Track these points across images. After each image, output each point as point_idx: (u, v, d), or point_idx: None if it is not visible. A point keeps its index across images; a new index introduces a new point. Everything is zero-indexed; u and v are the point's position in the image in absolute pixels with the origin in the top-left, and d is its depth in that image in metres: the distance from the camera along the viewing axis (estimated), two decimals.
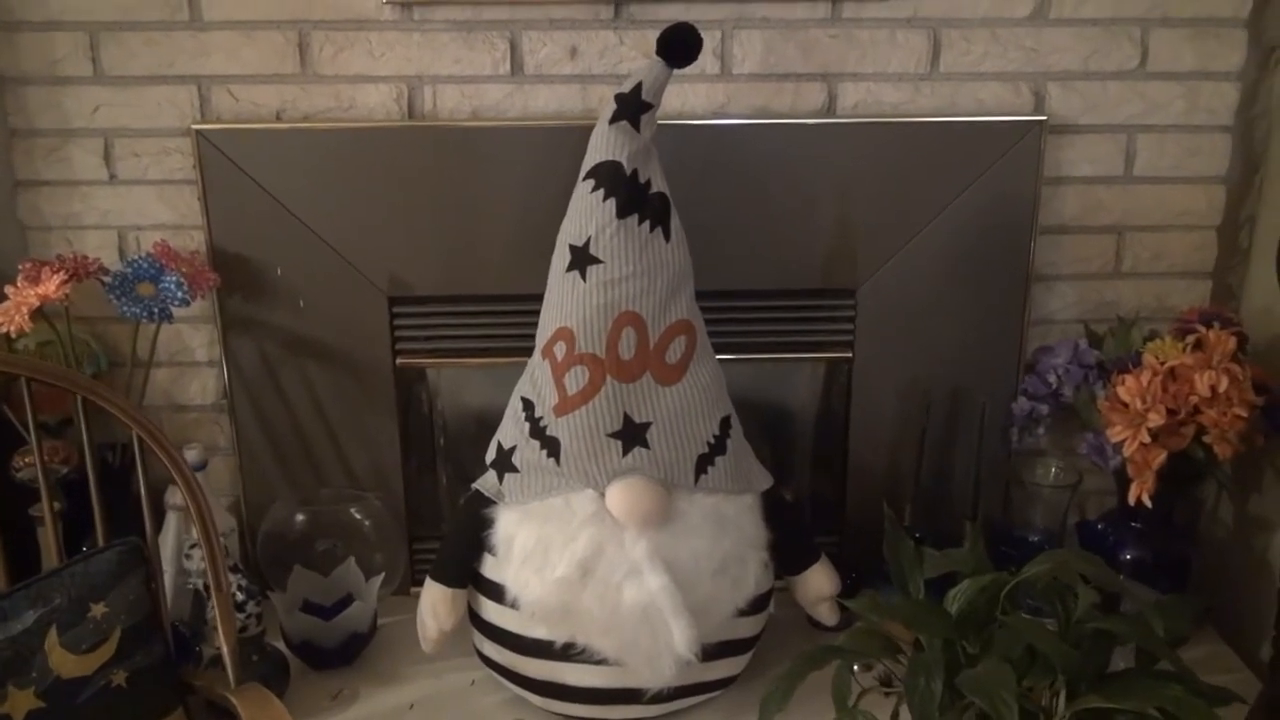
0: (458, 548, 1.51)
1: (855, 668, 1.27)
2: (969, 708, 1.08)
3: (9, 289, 1.43)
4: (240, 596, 1.63)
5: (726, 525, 1.46)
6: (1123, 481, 1.56)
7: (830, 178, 1.63)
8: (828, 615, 1.61)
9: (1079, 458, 1.68)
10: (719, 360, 1.51)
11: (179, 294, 1.50)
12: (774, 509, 1.52)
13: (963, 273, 1.68)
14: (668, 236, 1.42)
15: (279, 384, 1.70)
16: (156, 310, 1.49)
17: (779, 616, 1.60)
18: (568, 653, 1.42)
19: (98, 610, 1.26)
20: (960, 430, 1.73)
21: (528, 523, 1.44)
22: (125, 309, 1.48)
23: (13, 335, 1.41)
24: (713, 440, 1.46)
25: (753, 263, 1.67)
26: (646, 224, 1.40)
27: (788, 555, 1.56)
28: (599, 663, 1.42)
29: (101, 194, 1.66)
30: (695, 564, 1.42)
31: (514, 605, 1.43)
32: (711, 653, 1.44)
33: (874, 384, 1.73)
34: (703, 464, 1.45)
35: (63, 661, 1.23)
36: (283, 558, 1.71)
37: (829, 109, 1.64)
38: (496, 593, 1.45)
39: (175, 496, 1.67)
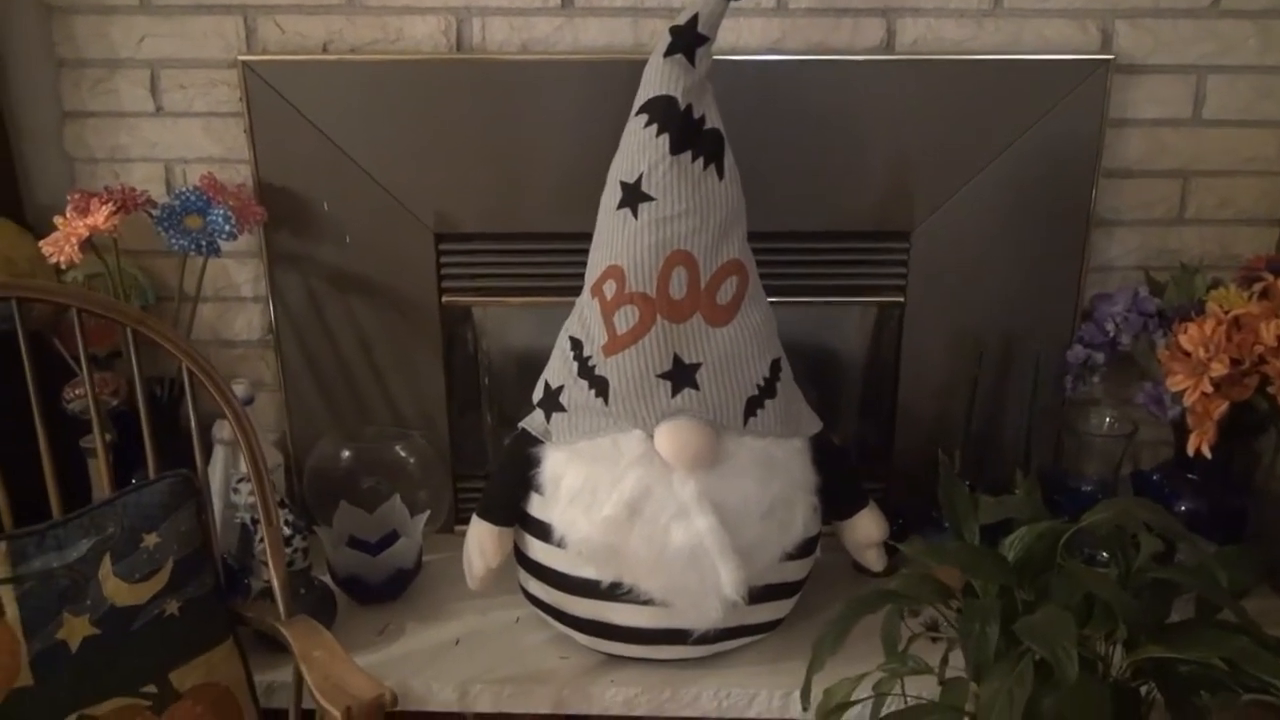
0: (504, 486, 1.51)
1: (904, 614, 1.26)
2: (1025, 655, 1.06)
3: (58, 220, 1.43)
4: (287, 531, 1.64)
5: (775, 468, 1.44)
6: (1181, 432, 1.53)
7: (887, 117, 1.59)
8: (875, 561, 1.60)
9: (1134, 407, 1.65)
10: (769, 303, 1.48)
11: (226, 227, 1.49)
12: (823, 453, 1.50)
13: (1021, 217, 1.63)
14: (721, 174, 1.39)
15: (325, 320, 1.69)
16: (204, 243, 1.48)
17: (824, 561, 1.59)
18: (614, 592, 1.42)
19: (150, 540, 1.27)
20: (1013, 378, 1.70)
21: (575, 462, 1.43)
22: (173, 241, 1.48)
23: (62, 266, 1.40)
24: (762, 383, 1.44)
25: (805, 204, 1.63)
26: (700, 161, 1.37)
27: (836, 500, 1.55)
28: (645, 603, 1.42)
29: (148, 126, 1.64)
30: (743, 506, 1.41)
31: (560, 544, 1.43)
32: (758, 595, 1.43)
33: (926, 329, 1.70)
34: (752, 406, 1.43)
35: (117, 589, 1.24)
36: (329, 494, 1.72)
37: (887, 45, 1.59)
38: (543, 531, 1.45)
39: (223, 431, 1.68)
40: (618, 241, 1.40)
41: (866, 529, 1.57)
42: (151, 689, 1.24)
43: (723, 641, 1.48)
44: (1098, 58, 1.57)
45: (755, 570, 1.41)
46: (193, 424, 1.35)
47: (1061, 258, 1.66)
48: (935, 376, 1.72)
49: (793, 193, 1.62)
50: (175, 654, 1.26)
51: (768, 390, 1.44)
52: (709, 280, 1.39)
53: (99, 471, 1.38)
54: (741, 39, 1.59)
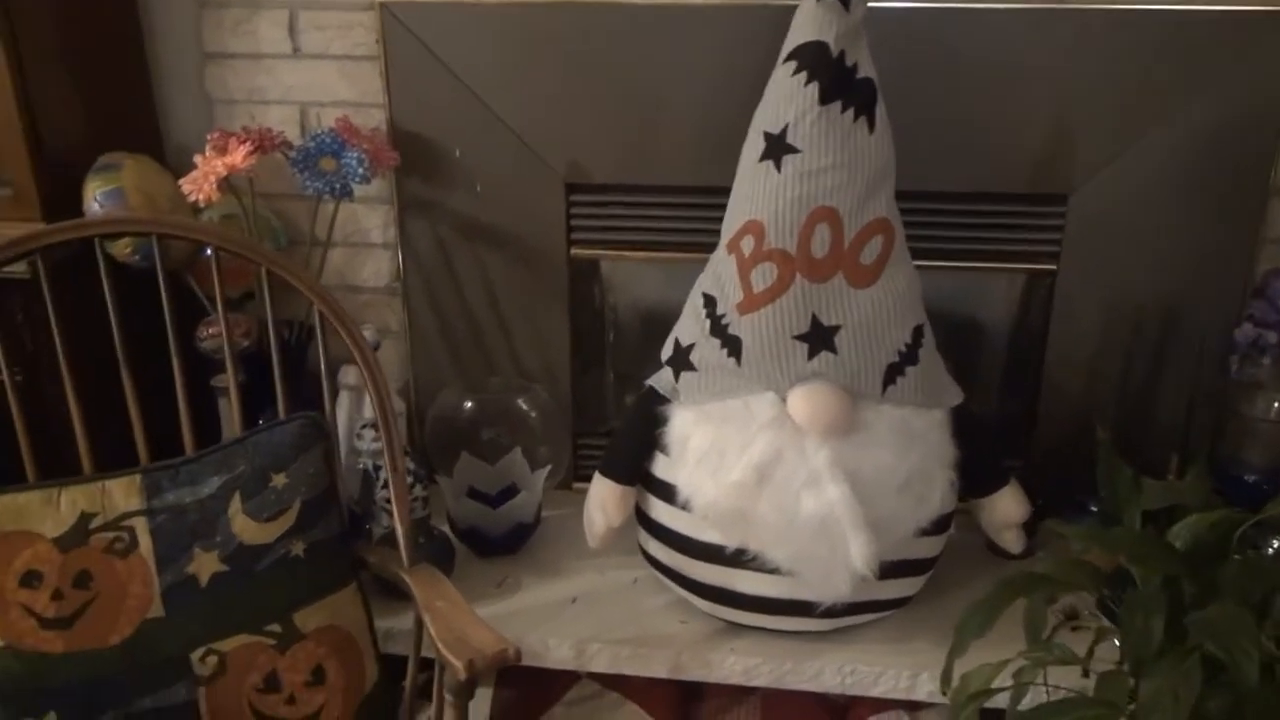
0: (629, 445, 1.47)
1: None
2: (1193, 652, 0.98)
3: (198, 158, 1.43)
4: (409, 479, 1.64)
5: (914, 439, 1.37)
6: None
7: (1050, 71, 1.48)
8: (1013, 542, 1.52)
9: None
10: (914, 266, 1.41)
11: (360, 170, 1.48)
12: (964, 426, 1.43)
13: (1190, 181, 1.51)
14: (872, 127, 1.31)
15: (452, 269, 1.67)
16: (338, 186, 1.47)
17: (956, 539, 1.51)
18: (739, 559, 1.37)
19: (279, 480, 1.26)
20: (1171, 356, 1.59)
21: (704, 423, 1.39)
22: (308, 183, 1.47)
23: (200, 204, 1.41)
24: (904, 349, 1.36)
25: (954, 162, 1.54)
26: (850, 112, 1.30)
27: (976, 476, 1.47)
28: (771, 571, 1.37)
29: (285, 68, 1.64)
30: (878, 477, 1.34)
31: (685, 507, 1.39)
32: (889, 570, 1.37)
33: (1079, 300, 1.59)
34: (892, 374, 1.36)
35: (245, 528, 1.24)
36: (450, 444, 1.71)
37: None
38: (668, 493, 1.41)
39: (349, 376, 1.68)
40: (759, 195, 1.33)
41: (1006, 509, 1.49)
42: (276, 628, 1.25)
43: (850, 616, 1.43)
44: None
45: (888, 544, 1.35)
46: (322, 367, 1.34)
47: (1235, 228, 1.53)
48: (1086, 351, 1.61)
49: (941, 150, 1.53)
50: (300, 595, 1.26)
51: (909, 357, 1.37)
52: (853, 239, 1.32)
53: (230, 411, 1.39)
54: None
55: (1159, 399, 1.61)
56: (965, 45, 1.48)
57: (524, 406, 1.72)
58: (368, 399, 1.70)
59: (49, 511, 1.20)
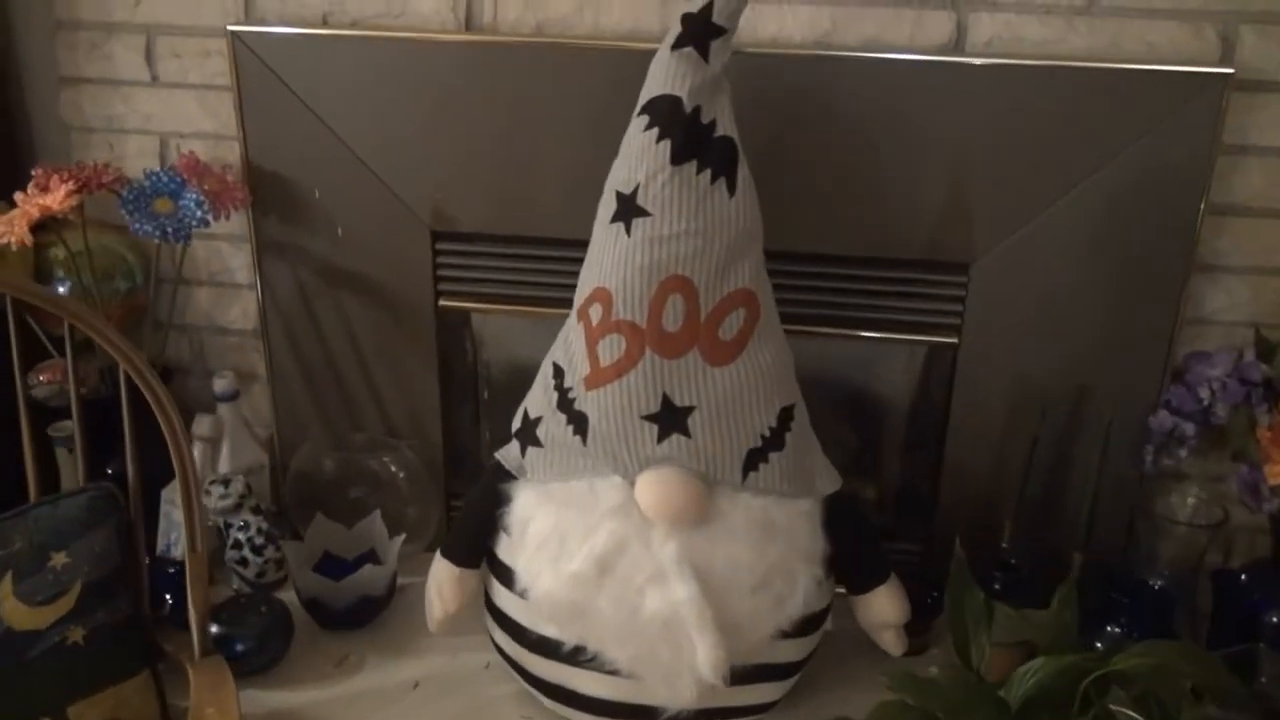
0: (471, 524, 1.36)
1: None
2: None
3: (17, 196, 1.33)
4: (259, 540, 1.54)
5: (775, 533, 1.24)
6: (1279, 529, 1.27)
7: (952, 128, 1.35)
8: (893, 644, 1.39)
9: (1227, 489, 1.39)
10: (795, 335, 1.29)
11: (198, 213, 1.37)
12: (838, 517, 1.30)
13: (1105, 254, 1.38)
14: (732, 190, 1.19)
15: (315, 315, 1.56)
16: (171, 230, 1.36)
17: (844, 629, 1.38)
18: (577, 657, 1.25)
19: (58, 560, 1.15)
20: (1081, 441, 1.46)
21: (547, 505, 1.27)
22: (138, 226, 1.36)
23: (13, 248, 1.30)
24: (768, 433, 1.24)
25: (849, 224, 1.42)
26: (707, 173, 1.18)
27: (851, 571, 1.35)
28: (611, 673, 1.24)
29: (143, 96, 1.53)
30: (732, 575, 1.22)
31: (523, 595, 1.27)
32: (744, 676, 1.24)
33: (982, 376, 1.46)
34: (753, 460, 1.23)
35: (14, 612, 1.13)
36: (312, 501, 1.60)
37: (956, 45, 1.36)
38: (507, 577, 1.29)
39: (202, 426, 1.57)
40: (607, 260, 1.22)
41: (883, 609, 1.35)
42: None
43: None
44: (1214, 70, 1.30)
45: (742, 648, 1.22)
46: (126, 428, 1.23)
47: (1152, 304, 1.40)
48: (990, 431, 1.48)
49: (835, 211, 1.41)
50: (77, 686, 1.15)
51: (774, 442, 1.25)
52: (710, 312, 1.20)
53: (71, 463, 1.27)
54: (785, 29, 1.38)
55: (1066, 488, 1.48)
56: (854, 98, 1.36)
57: (391, 466, 1.60)
58: (224, 449, 1.59)
59: None
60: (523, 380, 1.47)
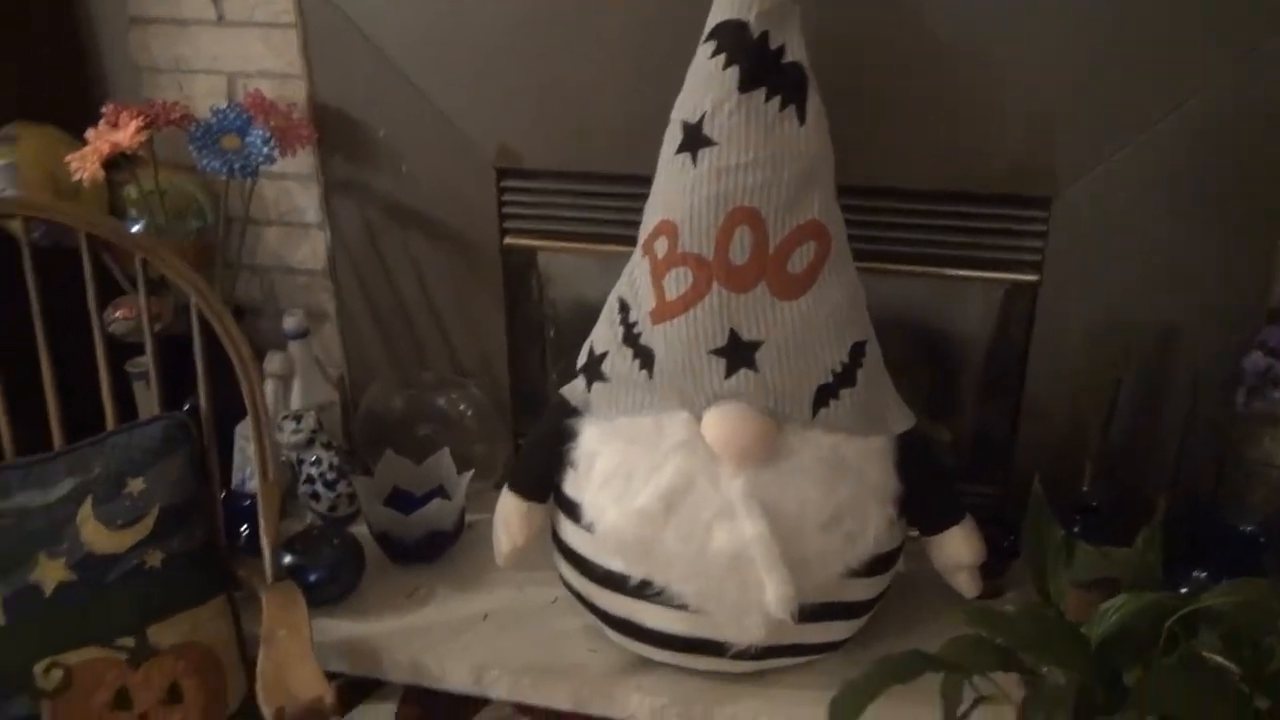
0: (537, 458, 1.35)
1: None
2: None
3: (89, 134, 1.34)
4: (331, 476, 1.55)
5: (846, 471, 1.22)
6: None
7: (1035, 53, 1.29)
8: (966, 585, 1.36)
9: None
10: (868, 273, 1.26)
11: (264, 150, 1.37)
12: (911, 456, 1.27)
13: (1197, 186, 1.31)
14: (802, 118, 1.16)
15: (382, 254, 1.56)
16: (238, 166, 1.37)
17: (916, 572, 1.36)
18: (644, 591, 1.25)
19: (135, 486, 1.18)
20: (1167, 382, 1.40)
21: (612, 441, 1.26)
22: (206, 162, 1.37)
23: (85, 184, 1.32)
24: (839, 369, 1.21)
25: (924, 156, 1.37)
26: (776, 100, 1.14)
27: (924, 512, 1.32)
28: (678, 607, 1.24)
29: (209, 36, 1.54)
30: (801, 512, 1.20)
31: (590, 529, 1.27)
32: (813, 614, 1.23)
33: (1064, 315, 1.41)
34: (823, 396, 1.21)
35: (96, 535, 1.16)
36: (381, 438, 1.61)
37: None
38: (574, 512, 1.29)
39: (273, 363, 1.59)
40: (673, 192, 1.19)
41: (957, 550, 1.32)
42: (128, 642, 1.16)
43: (769, 659, 1.29)
44: None
45: (810, 586, 1.21)
46: (198, 359, 1.25)
47: (1246, 240, 1.33)
48: (1071, 371, 1.43)
49: (909, 141, 1.36)
50: (155, 608, 1.17)
51: (845, 378, 1.22)
52: (779, 244, 1.17)
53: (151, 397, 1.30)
54: None
55: (1151, 430, 1.42)
56: (932, 20, 1.30)
57: (459, 404, 1.61)
58: (296, 386, 1.61)
59: None
60: (589, 318, 1.46)
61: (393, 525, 1.48)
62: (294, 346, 1.59)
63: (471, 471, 1.52)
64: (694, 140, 1.16)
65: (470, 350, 1.61)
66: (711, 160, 1.15)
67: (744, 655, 1.26)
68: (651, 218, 1.23)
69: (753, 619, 1.22)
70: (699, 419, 1.21)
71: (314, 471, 1.55)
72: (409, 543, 1.49)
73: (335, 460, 1.56)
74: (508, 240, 1.52)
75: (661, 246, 1.20)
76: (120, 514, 1.17)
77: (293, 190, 1.60)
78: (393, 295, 1.59)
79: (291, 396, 1.60)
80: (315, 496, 1.55)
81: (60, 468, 1.17)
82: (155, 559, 1.17)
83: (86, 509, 1.16)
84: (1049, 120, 1.32)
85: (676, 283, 1.19)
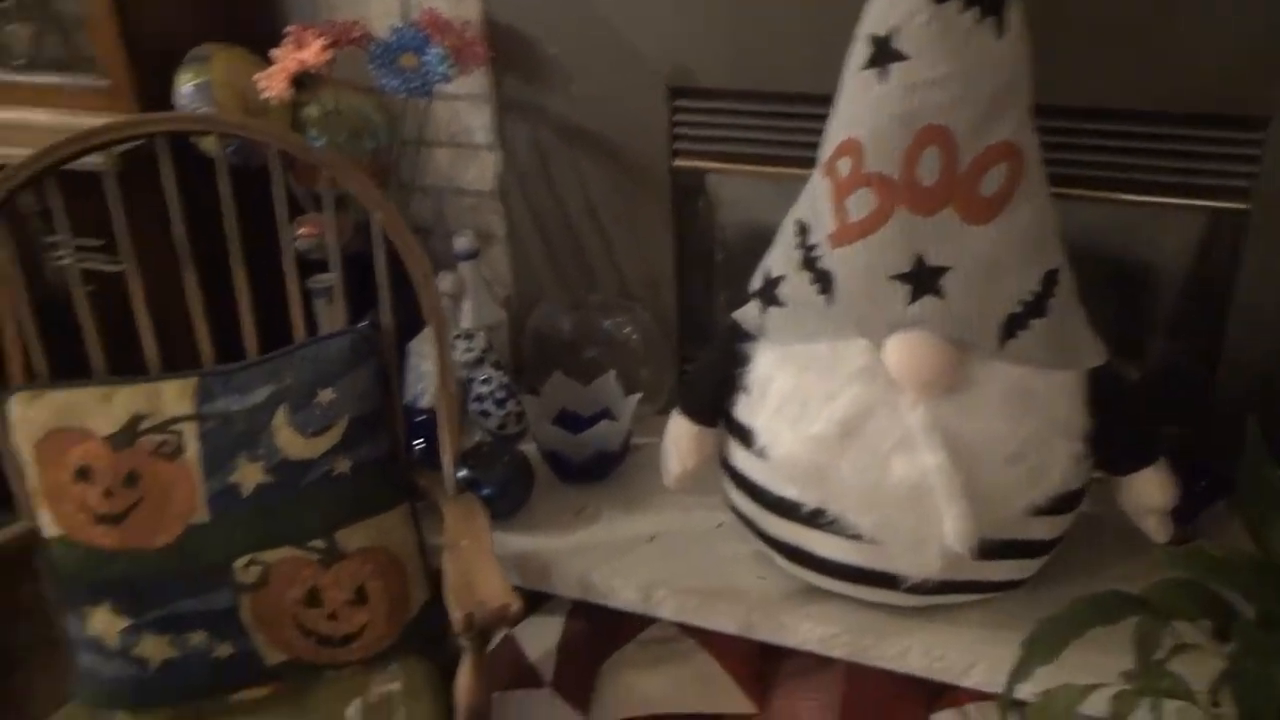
0: (709, 382, 1.34)
1: None
2: None
3: (275, 53, 1.38)
4: (500, 394, 1.58)
5: (1033, 404, 1.17)
6: None
7: None
8: (1156, 529, 1.29)
9: None
10: (1062, 198, 1.19)
11: (442, 69, 1.38)
12: (1103, 392, 1.21)
13: None
14: (1001, 30, 1.09)
15: (551, 175, 1.56)
16: (417, 84, 1.38)
17: (1100, 515, 1.31)
18: (817, 520, 1.23)
19: (325, 396, 1.22)
20: None
21: (787, 366, 1.24)
22: (384, 81, 1.39)
23: (272, 102, 1.35)
24: (1030, 298, 1.16)
25: (1125, 72, 1.28)
26: (974, 11, 1.08)
27: (1113, 451, 1.25)
28: (852, 537, 1.22)
29: None
30: (984, 445, 1.16)
31: (762, 455, 1.26)
32: (992, 550, 1.20)
33: (1275, 247, 1.31)
34: (1012, 325, 1.16)
35: (290, 441, 1.21)
36: (548, 359, 1.63)
37: None
38: (746, 437, 1.28)
39: (444, 283, 1.62)
40: (859, 109, 1.15)
41: (1148, 492, 1.26)
42: (319, 544, 1.22)
43: (943, 595, 1.26)
44: None
45: (991, 521, 1.18)
46: (380, 277, 1.28)
47: None
48: None
49: (1111, 57, 1.27)
50: (343, 513, 1.23)
51: (1036, 308, 1.16)
52: (970, 165, 1.12)
53: (336, 312, 1.34)
54: None
55: None
56: None
57: (625, 327, 1.61)
58: (466, 306, 1.64)
59: (103, 409, 1.21)
60: (759, 242, 1.44)
61: (561, 444, 1.50)
62: (464, 267, 1.61)
63: (639, 395, 1.53)
64: (883, 54, 1.11)
65: (637, 273, 1.60)
66: (901, 76, 1.10)
67: (918, 589, 1.24)
68: (834, 137, 1.19)
69: (929, 552, 1.19)
70: (878, 346, 1.18)
71: (484, 390, 1.58)
72: (577, 462, 1.51)
73: (504, 379, 1.58)
74: (678, 161, 1.50)
75: (844, 167, 1.16)
76: (312, 422, 1.21)
77: (463, 111, 1.61)
78: (561, 217, 1.59)
79: (461, 316, 1.63)
80: (485, 414, 1.58)
81: (258, 376, 1.23)
82: (344, 466, 1.22)
83: (281, 416, 1.21)
84: (1267, 32, 1.21)
85: (859, 204, 1.15)
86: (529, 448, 1.55)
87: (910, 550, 1.21)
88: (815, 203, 1.21)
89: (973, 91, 1.09)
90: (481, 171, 1.64)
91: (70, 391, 1.21)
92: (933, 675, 1.27)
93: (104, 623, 1.21)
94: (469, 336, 1.57)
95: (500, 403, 1.58)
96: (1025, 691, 0.96)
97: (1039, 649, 0.88)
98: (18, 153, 1.44)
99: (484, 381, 1.57)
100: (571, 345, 1.63)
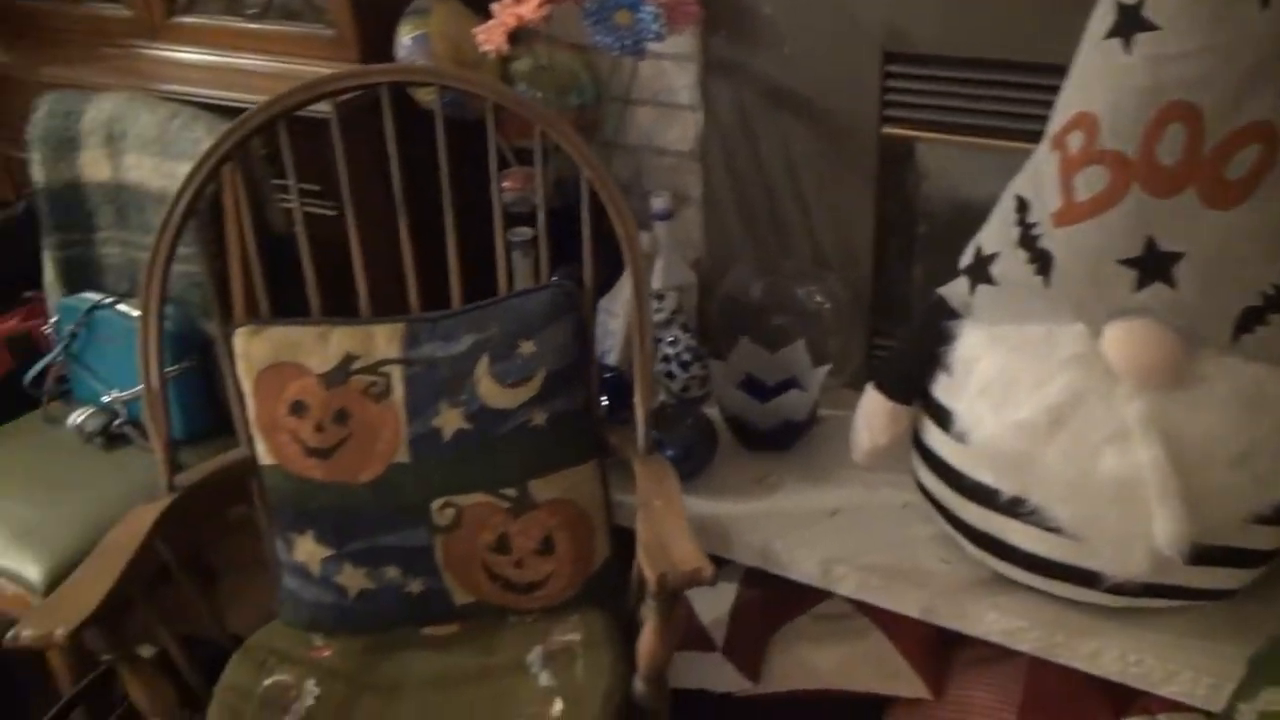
0: (909, 358, 1.31)
1: None
2: None
3: (494, 7, 1.40)
4: (686, 357, 1.58)
5: (1266, 406, 1.10)
6: None
7: None
8: None
9: None
10: None
11: (654, 27, 1.37)
12: None
13: None
14: (1266, 0, 1.00)
15: (753, 138, 1.54)
16: (630, 41, 1.38)
17: None
18: (1015, 508, 1.19)
19: (526, 348, 1.24)
20: None
21: (996, 347, 1.19)
22: (599, 37, 1.39)
23: (491, 55, 1.38)
24: (1272, 291, 1.08)
25: None
26: None
27: None
28: (1052, 530, 1.17)
29: None
30: (1207, 445, 1.10)
31: (961, 439, 1.22)
32: (1205, 556, 1.13)
33: None
34: (1248, 320, 1.08)
35: (490, 390, 1.24)
36: (736, 324, 1.62)
37: None
38: (944, 418, 1.24)
39: (644, 242, 1.62)
40: (1098, 80, 1.08)
41: None
42: (511, 492, 1.25)
43: (1145, 598, 1.20)
44: None
45: (1207, 526, 1.11)
46: (585, 235, 1.29)
47: None
48: None
49: None
50: (536, 464, 1.25)
51: (1277, 302, 1.08)
52: (1217, 146, 1.04)
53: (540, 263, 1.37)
54: None
55: None
56: None
57: (817, 296, 1.58)
58: (658, 266, 1.64)
59: (319, 348, 1.26)
60: (966, 217, 1.39)
61: (747, 411, 1.49)
62: (659, 227, 1.61)
63: (829, 366, 1.50)
64: (1130, 23, 1.04)
65: (833, 242, 1.57)
66: (1149, 47, 1.03)
67: (1118, 590, 1.18)
68: (1067, 108, 1.12)
69: (1136, 552, 1.13)
70: (1097, 333, 1.12)
71: (670, 351, 1.58)
72: (761, 429, 1.50)
73: (692, 342, 1.58)
74: (886, 129, 1.45)
75: (1076, 141, 1.10)
76: (512, 372, 1.24)
77: (668, 70, 1.60)
78: (760, 181, 1.57)
79: (653, 276, 1.64)
80: (669, 376, 1.59)
81: (462, 324, 1.26)
82: (540, 418, 1.25)
83: (483, 365, 1.24)
84: None
85: (1089, 182, 1.09)
86: (712, 411, 1.55)
87: (1114, 548, 1.15)
88: (1039, 178, 1.15)
89: (1228, 66, 1.01)
90: (682, 132, 1.64)
91: (290, 329, 1.27)
92: (1126, 680, 1.22)
93: (308, 550, 1.28)
94: (659, 297, 1.57)
95: (685, 365, 1.58)
96: (1246, 711, 0.90)
97: (1270, 668, 0.82)
98: (249, 98, 1.52)
99: (671, 343, 1.58)
100: (760, 311, 1.61)
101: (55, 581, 1.36)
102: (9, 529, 1.43)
